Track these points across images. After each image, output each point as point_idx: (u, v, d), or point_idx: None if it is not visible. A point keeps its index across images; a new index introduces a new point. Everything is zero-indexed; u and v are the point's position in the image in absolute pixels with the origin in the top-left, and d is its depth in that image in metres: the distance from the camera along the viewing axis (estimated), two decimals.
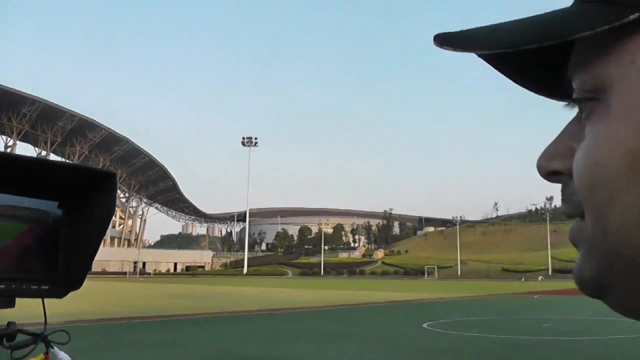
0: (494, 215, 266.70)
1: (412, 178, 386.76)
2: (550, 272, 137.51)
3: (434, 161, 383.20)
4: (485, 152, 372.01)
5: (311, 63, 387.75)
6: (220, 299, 42.54)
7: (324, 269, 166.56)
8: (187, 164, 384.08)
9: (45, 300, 1.33)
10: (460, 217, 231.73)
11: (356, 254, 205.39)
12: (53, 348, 1.36)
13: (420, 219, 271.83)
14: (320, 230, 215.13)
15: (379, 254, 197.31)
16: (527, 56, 0.51)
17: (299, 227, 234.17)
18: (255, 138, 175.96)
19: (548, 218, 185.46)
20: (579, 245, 0.49)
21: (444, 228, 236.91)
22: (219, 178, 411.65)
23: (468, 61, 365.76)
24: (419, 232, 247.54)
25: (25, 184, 1.23)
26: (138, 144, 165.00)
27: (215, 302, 38.93)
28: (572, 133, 0.50)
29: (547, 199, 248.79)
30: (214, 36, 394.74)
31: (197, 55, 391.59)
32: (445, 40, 0.49)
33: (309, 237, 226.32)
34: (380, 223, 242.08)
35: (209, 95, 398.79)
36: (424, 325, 23.29)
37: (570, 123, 0.51)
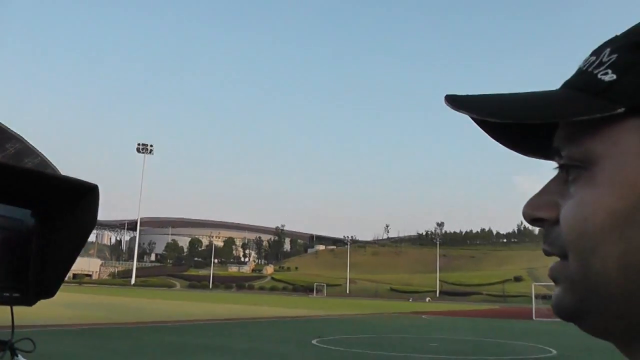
0: (385, 237, 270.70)
1: (305, 196, 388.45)
2: (437, 294, 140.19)
3: (327, 180, 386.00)
4: (379, 175, 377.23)
5: (210, 74, 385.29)
6: (106, 310, 41.35)
7: (212, 282, 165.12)
8: (80, 166, 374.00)
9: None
10: (352, 236, 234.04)
11: (246, 269, 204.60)
12: (18, 356, 1.35)
13: (311, 236, 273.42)
14: (210, 242, 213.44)
15: (269, 269, 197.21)
16: (516, 124, 0.68)
17: (189, 238, 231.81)
18: (151, 145, 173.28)
19: (438, 242, 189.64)
20: (560, 281, 0.63)
21: (334, 247, 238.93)
22: (112, 184, 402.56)
23: (360, 85, 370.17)
24: (309, 250, 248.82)
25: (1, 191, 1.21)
26: (32, 144, 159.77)
27: (101, 312, 37.80)
28: (555, 189, 0.64)
29: (437, 225, 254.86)
30: (110, 40, 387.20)
31: (95, 56, 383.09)
32: (460, 104, 0.63)
33: (200, 249, 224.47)
34: (272, 239, 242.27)
35: (106, 98, 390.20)
36: (313, 341, 23.13)
37: (553, 181, 0.66)
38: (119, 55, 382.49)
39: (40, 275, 1.32)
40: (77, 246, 1.34)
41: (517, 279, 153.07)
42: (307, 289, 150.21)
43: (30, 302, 1.31)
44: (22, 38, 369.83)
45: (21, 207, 1.29)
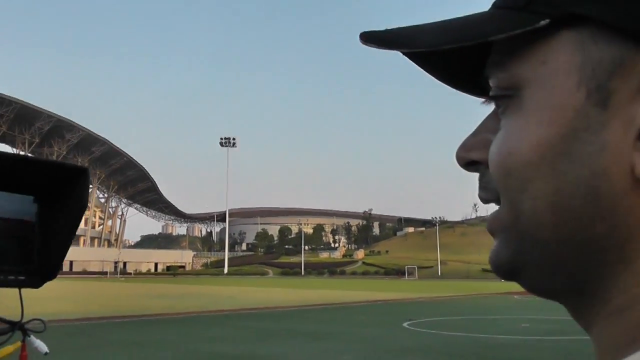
0: (474, 216, 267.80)
1: (392, 178, 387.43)
2: None
3: (413, 162, 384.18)
4: None
5: (288, 63, 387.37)
6: (200, 299, 42.29)
7: (304, 269, 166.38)
8: (167, 164, 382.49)
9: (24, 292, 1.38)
10: (440, 217, 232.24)
11: (337, 254, 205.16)
12: (29, 336, 1.45)
13: (399, 219, 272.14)
14: (300, 230, 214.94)
15: (360, 254, 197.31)
16: (449, 55, 0.56)
17: (279, 227, 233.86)
18: (234, 138, 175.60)
19: None
20: (496, 234, 0.54)
21: (423, 229, 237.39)
22: (199, 178, 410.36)
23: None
24: (398, 233, 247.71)
25: (2, 180, 1.25)
26: (117, 145, 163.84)
27: (195, 302, 38.71)
28: (488, 126, 0.54)
29: None
30: (191, 38, 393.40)
31: (174, 57, 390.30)
32: (371, 39, 0.52)
33: (289, 237, 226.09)
34: (360, 223, 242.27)
35: (187, 95, 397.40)
36: (404, 324, 23.32)
37: (487, 118, 0.56)
38: (199, 54, 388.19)
39: (43, 258, 1.35)
40: (72, 228, 1.35)
41: None
42: (398, 272, 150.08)
43: (36, 284, 1.35)
44: (106, 37, 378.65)
45: (23, 194, 1.32)
